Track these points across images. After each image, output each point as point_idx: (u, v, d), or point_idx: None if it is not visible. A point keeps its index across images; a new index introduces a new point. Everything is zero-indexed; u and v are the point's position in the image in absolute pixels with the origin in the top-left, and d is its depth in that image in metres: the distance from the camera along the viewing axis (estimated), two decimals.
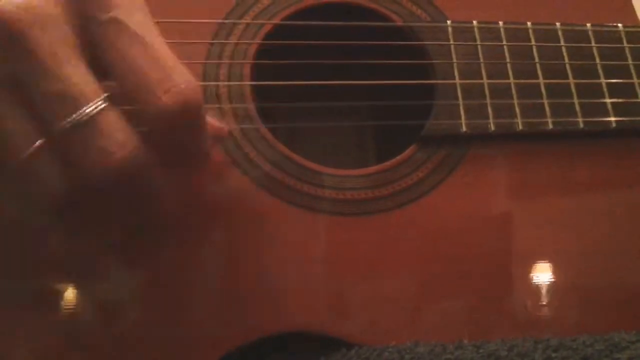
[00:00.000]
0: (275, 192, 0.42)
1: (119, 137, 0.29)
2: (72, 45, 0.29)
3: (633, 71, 0.49)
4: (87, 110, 0.28)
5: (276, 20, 0.48)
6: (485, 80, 0.47)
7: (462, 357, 0.37)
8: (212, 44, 0.46)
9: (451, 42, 0.48)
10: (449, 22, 0.49)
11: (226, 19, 0.47)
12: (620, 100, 0.48)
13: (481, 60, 0.47)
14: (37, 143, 0.29)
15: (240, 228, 0.41)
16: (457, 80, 0.46)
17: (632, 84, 0.48)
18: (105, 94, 0.29)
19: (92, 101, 0.29)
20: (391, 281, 0.41)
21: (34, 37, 0.28)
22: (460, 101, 0.46)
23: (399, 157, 0.45)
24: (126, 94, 0.30)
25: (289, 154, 0.44)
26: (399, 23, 0.50)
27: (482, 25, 0.49)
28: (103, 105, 0.29)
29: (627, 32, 0.50)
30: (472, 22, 0.49)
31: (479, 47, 0.48)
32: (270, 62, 0.46)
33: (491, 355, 0.37)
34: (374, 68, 0.46)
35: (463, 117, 0.45)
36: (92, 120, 0.28)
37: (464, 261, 0.42)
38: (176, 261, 0.40)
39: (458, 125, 0.45)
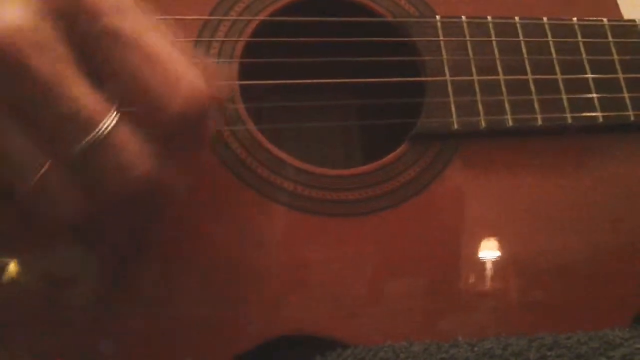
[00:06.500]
0: (274, 198, 0.42)
1: (136, 148, 0.28)
2: (72, 63, 0.28)
3: (618, 66, 0.49)
4: (101, 129, 0.27)
5: (262, 17, 0.47)
6: (475, 77, 0.46)
7: (457, 355, 0.37)
8: (197, 41, 0.45)
9: (440, 37, 0.48)
10: (437, 17, 0.48)
11: (211, 15, 0.46)
12: (606, 95, 0.48)
13: (471, 56, 0.47)
14: (46, 166, 0.28)
15: (239, 230, 0.41)
16: (448, 77, 0.46)
17: (617, 79, 0.49)
18: (115, 108, 0.28)
19: (104, 119, 0.28)
20: (387, 282, 0.41)
21: (34, 61, 0.26)
22: (451, 98, 0.45)
23: (390, 156, 0.45)
24: (132, 103, 0.29)
25: (277, 154, 0.43)
26: (388, 18, 0.49)
27: (471, 20, 0.48)
28: (115, 120, 0.28)
29: (611, 27, 0.50)
30: (461, 17, 0.48)
31: (468, 42, 0.48)
32: (255, 60, 0.44)
33: (486, 354, 0.37)
34: (362, 65, 0.46)
35: (454, 114, 0.45)
36: (107, 137, 0.28)
37: (460, 260, 0.42)
38: (176, 266, 0.40)
39: (449, 123, 0.45)
